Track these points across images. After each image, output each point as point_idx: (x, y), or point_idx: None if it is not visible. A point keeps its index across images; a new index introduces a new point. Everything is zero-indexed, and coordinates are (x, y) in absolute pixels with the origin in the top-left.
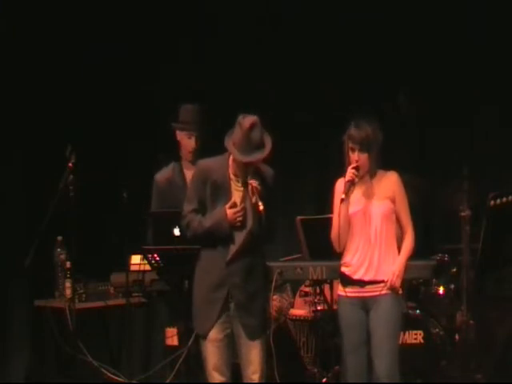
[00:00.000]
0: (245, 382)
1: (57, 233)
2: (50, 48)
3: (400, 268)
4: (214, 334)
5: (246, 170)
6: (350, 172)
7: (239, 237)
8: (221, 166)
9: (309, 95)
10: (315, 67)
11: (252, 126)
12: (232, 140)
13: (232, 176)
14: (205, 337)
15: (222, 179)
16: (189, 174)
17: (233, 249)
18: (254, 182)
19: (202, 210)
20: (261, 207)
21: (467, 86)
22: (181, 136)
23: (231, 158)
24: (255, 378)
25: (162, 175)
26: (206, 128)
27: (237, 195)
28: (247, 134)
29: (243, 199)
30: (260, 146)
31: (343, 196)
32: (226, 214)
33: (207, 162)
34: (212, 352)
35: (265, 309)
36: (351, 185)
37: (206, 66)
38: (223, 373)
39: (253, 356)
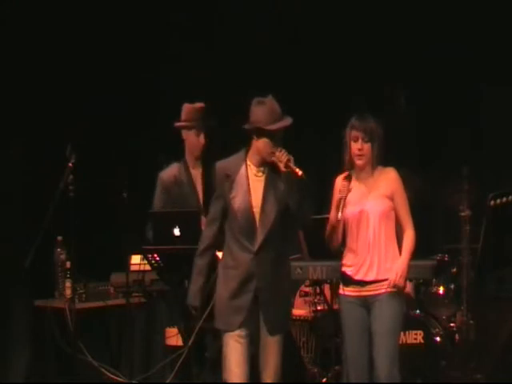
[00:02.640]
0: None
1: (57, 233)
2: (49, 48)
3: (403, 267)
4: (239, 329)
5: (274, 148)
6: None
7: (264, 227)
8: (237, 160)
9: (309, 95)
10: (315, 67)
11: (272, 100)
12: (255, 120)
13: (252, 167)
14: (232, 331)
15: (238, 173)
16: (195, 172)
17: (259, 238)
18: (283, 156)
19: (221, 222)
20: (300, 172)
21: (467, 86)
22: (188, 135)
23: (252, 148)
24: (269, 381)
25: (168, 173)
26: (210, 124)
27: (258, 185)
28: (271, 105)
29: (266, 187)
30: (282, 116)
31: (340, 215)
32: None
33: (223, 162)
34: (235, 348)
35: (289, 305)
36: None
37: (207, 66)
38: (244, 370)
39: (270, 361)
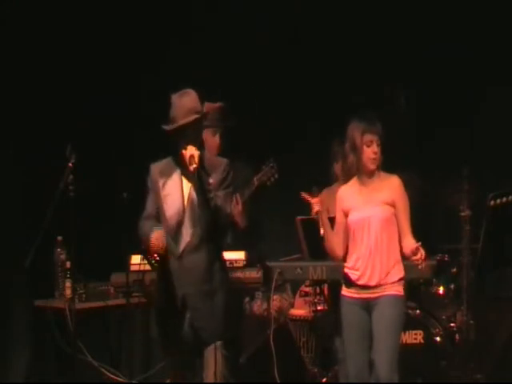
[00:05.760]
0: None
1: (57, 233)
2: (49, 48)
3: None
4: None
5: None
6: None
7: (188, 231)
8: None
9: (309, 95)
10: (315, 67)
11: (181, 95)
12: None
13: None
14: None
15: (172, 173)
16: None
17: (183, 242)
18: (190, 152)
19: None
20: (190, 168)
21: (467, 86)
22: (205, 133)
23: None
24: None
25: None
26: (228, 124)
27: (189, 187)
28: (174, 102)
29: (194, 189)
30: (192, 111)
31: (322, 232)
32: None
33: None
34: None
35: (227, 309)
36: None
37: (207, 66)
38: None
39: (209, 370)
